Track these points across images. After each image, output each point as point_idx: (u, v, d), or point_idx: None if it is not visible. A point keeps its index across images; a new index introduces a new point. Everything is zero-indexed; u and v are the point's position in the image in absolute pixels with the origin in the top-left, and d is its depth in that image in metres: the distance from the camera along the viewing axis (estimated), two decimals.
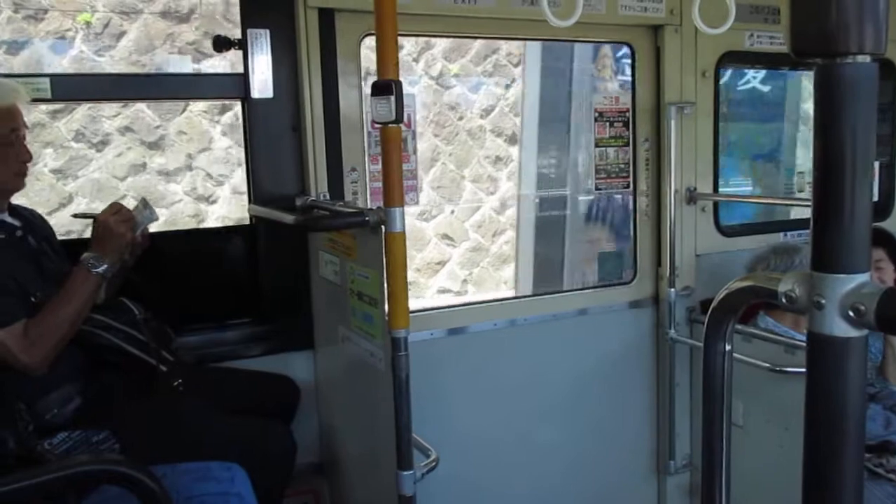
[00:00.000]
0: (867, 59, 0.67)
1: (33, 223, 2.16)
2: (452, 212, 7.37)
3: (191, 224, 5.63)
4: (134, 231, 2.13)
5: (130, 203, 2.18)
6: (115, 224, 2.05)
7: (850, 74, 0.68)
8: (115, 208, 2.10)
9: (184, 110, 5.16)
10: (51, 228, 2.27)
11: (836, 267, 0.69)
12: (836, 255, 0.69)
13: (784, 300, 0.74)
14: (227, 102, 2.73)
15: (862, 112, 0.68)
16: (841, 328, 0.69)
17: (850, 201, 0.68)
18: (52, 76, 2.30)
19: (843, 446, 0.71)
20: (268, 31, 2.47)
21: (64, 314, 1.93)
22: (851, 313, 0.68)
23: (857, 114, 0.68)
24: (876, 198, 3.72)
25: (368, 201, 2.67)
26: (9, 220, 2.06)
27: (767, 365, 2.57)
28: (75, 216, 2.20)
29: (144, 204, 2.20)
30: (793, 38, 0.70)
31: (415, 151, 2.77)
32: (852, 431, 0.71)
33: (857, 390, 0.70)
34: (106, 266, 2.00)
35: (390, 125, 1.78)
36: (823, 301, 0.69)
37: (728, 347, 0.88)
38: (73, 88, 2.42)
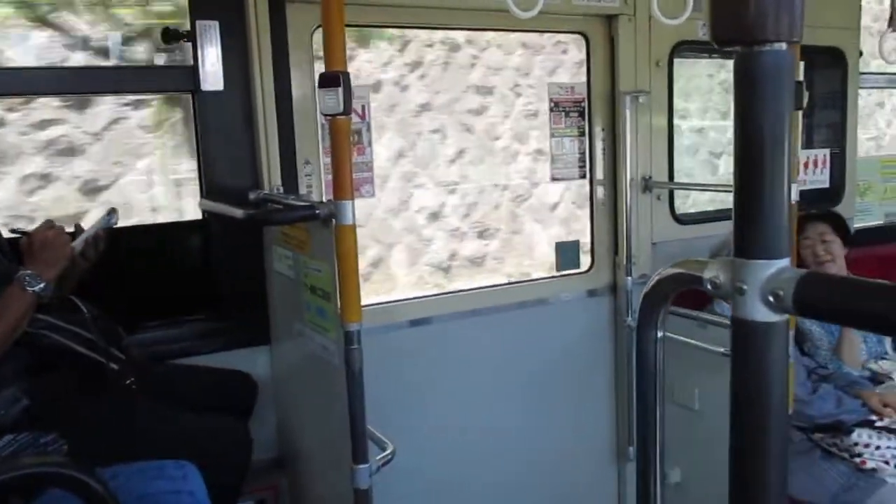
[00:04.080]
0: (783, 46, 0.68)
1: None
2: None
3: None
4: (93, 231, 2.09)
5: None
6: (54, 237, 1.97)
7: (768, 62, 0.69)
8: (49, 224, 2.03)
9: None
10: None
11: (756, 253, 0.70)
12: (756, 241, 0.70)
13: (709, 286, 0.75)
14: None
15: (779, 99, 0.69)
16: (762, 313, 0.70)
17: (768, 188, 0.69)
18: None
19: (767, 426, 0.73)
20: (217, 23, 2.43)
21: None
22: (771, 298, 0.69)
23: (774, 101, 0.69)
24: (827, 185, 3.80)
25: (323, 194, 2.65)
26: None
27: (721, 350, 2.62)
28: (12, 231, 2.14)
29: (111, 211, 2.16)
30: (713, 26, 0.71)
31: (370, 143, 2.75)
32: (775, 412, 0.72)
33: (780, 373, 0.72)
34: (44, 284, 1.90)
35: (339, 117, 1.77)
36: (745, 287, 0.71)
37: (660, 334, 0.89)
38: (14, 82, 2.36)
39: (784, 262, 0.70)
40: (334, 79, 1.73)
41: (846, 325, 2.78)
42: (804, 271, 0.68)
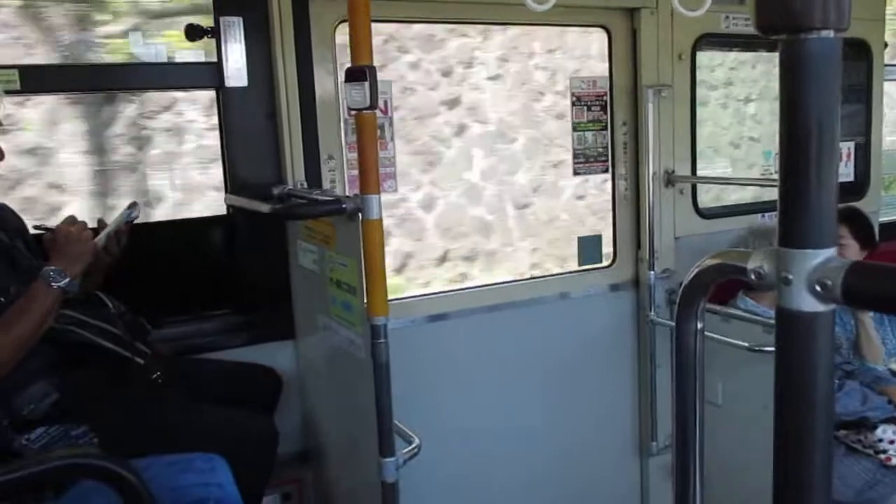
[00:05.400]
0: (831, 34, 0.67)
1: (5, 218, 2.12)
2: None
3: None
4: (115, 226, 2.11)
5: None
6: (77, 232, 1.98)
7: (815, 50, 0.68)
8: (72, 219, 2.05)
9: None
10: (23, 223, 2.23)
11: (803, 242, 0.69)
12: (803, 230, 0.69)
13: (753, 277, 0.75)
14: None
15: (826, 87, 0.68)
16: (808, 303, 0.69)
17: (815, 176, 0.68)
18: (21, 67, 2.27)
19: (813, 419, 0.72)
20: (241, 19, 2.44)
21: (19, 332, 1.84)
22: (818, 288, 0.68)
23: (821, 89, 0.68)
24: (851, 178, 3.75)
25: (346, 189, 2.66)
26: None
27: (745, 344, 2.60)
28: (36, 227, 2.16)
29: (132, 205, 2.18)
30: (758, 14, 0.70)
31: (392, 138, 2.76)
32: (821, 405, 0.71)
33: (825, 364, 0.71)
34: (68, 280, 1.91)
35: (365, 112, 1.77)
36: (791, 277, 0.70)
37: (700, 325, 0.89)
38: (42, 80, 2.38)
39: (831, 252, 0.69)
40: (361, 73, 1.73)
41: None
42: (852, 261, 0.67)
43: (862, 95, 3.74)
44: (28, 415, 1.92)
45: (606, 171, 3.20)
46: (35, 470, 1.30)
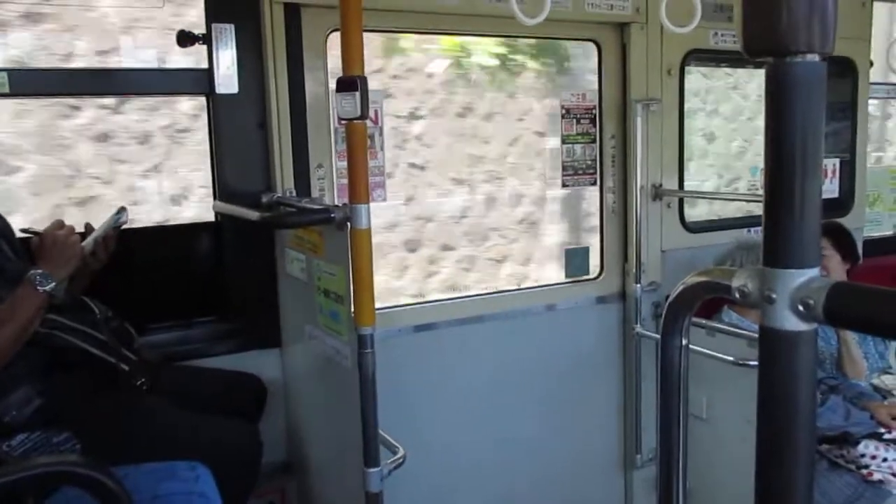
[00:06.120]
0: (816, 57, 0.69)
1: None
2: None
3: None
4: (102, 231, 2.10)
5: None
6: (65, 237, 1.98)
7: (800, 73, 0.69)
8: (59, 223, 2.04)
9: None
10: (10, 226, 2.22)
11: (787, 262, 0.70)
12: (787, 250, 0.70)
13: (737, 295, 0.76)
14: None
15: (811, 110, 0.69)
16: (791, 322, 0.70)
17: (799, 198, 0.69)
18: (10, 71, 2.26)
19: (795, 435, 0.73)
20: (232, 26, 2.44)
21: (3, 335, 1.84)
22: (801, 307, 0.69)
23: (806, 111, 0.69)
24: (836, 194, 3.79)
25: (336, 198, 2.66)
26: None
27: (730, 358, 2.61)
28: (24, 231, 2.15)
29: (121, 210, 2.18)
30: (744, 37, 0.71)
31: (382, 148, 2.76)
32: (803, 421, 0.72)
33: (808, 382, 0.72)
34: (54, 284, 1.91)
35: (355, 121, 1.78)
36: (774, 296, 0.71)
37: (685, 341, 0.89)
38: (31, 83, 2.37)
39: (814, 272, 0.70)
40: (352, 83, 1.74)
41: (877, 335, 2.74)
42: (835, 281, 0.68)
43: (847, 113, 3.79)
44: (10, 421, 1.90)
45: (595, 183, 3.22)
46: (16, 477, 1.28)
